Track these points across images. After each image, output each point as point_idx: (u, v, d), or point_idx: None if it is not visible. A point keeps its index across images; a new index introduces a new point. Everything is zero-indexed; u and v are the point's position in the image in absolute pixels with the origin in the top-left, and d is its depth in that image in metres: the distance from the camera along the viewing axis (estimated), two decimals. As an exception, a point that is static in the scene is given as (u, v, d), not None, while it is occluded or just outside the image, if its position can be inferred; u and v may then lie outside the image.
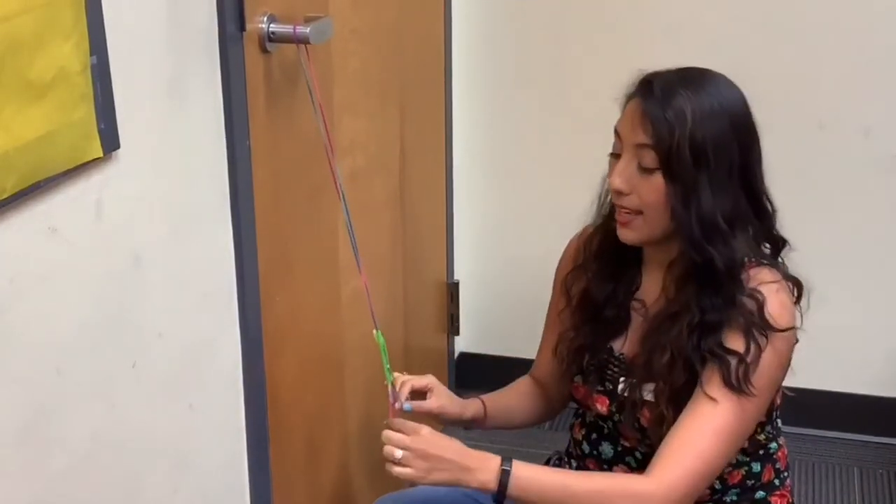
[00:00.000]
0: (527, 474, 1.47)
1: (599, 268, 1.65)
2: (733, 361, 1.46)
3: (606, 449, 1.66)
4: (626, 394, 1.58)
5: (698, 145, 1.45)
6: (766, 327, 1.47)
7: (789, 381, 1.61)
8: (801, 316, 1.57)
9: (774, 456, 1.64)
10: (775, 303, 1.49)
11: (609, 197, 1.60)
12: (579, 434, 1.72)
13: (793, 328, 1.51)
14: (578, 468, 1.71)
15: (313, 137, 1.57)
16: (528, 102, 2.65)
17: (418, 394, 1.68)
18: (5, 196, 1.02)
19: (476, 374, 2.78)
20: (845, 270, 2.55)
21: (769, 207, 1.57)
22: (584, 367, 1.66)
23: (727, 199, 1.49)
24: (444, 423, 1.81)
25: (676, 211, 1.47)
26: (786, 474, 1.67)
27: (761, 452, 1.62)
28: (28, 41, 1.03)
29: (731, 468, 1.59)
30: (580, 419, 1.73)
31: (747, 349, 1.47)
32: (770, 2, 2.45)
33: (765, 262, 1.54)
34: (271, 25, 1.49)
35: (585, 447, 1.69)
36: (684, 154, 1.45)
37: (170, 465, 1.39)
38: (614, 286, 1.63)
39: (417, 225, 2.38)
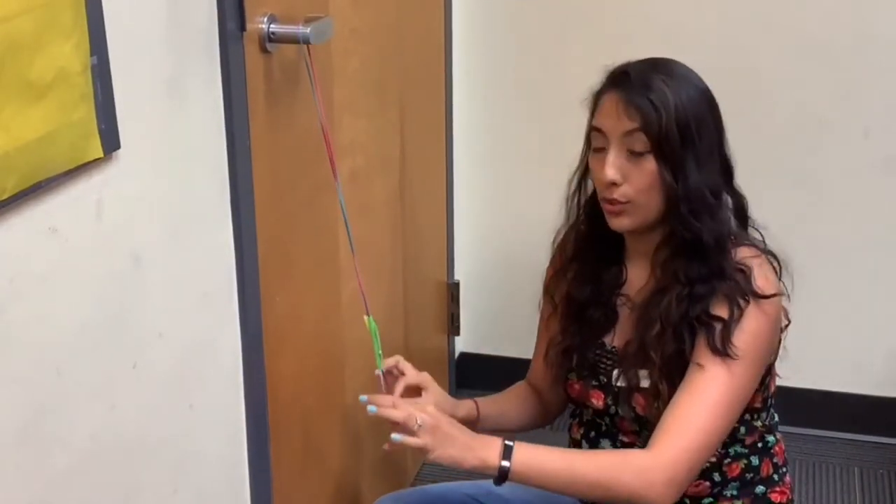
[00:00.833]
0: (529, 451, 1.48)
1: (578, 269, 1.67)
2: (718, 326, 1.50)
3: (605, 446, 1.66)
4: (619, 383, 1.59)
5: (683, 123, 1.50)
6: (752, 295, 1.51)
7: (791, 381, 1.61)
8: (788, 293, 1.59)
9: (772, 450, 1.65)
10: (759, 274, 1.53)
11: (576, 199, 1.63)
12: (577, 433, 1.72)
13: (778, 294, 1.54)
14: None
15: (313, 137, 1.57)
16: (528, 102, 2.65)
17: (412, 391, 1.68)
18: (6, 196, 1.02)
19: (476, 374, 2.78)
20: (844, 270, 2.55)
21: (737, 184, 1.62)
22: (575, 366, 1.66)
23: (711, 173, 1.54)
24: None
25: (669, 189, 1.50)
26: (784, 470, 1.68)
27: (759, 445, 1.63)
28: (28, 41, 1.03)
29: (729, 461, 1.60)
30: (577, 419, 1.74)
31: (731, 315, 1.50)
32: (769, 3, 2.45)
33: (745, 241, 1.59)
34: (271, 25, 1.49)
35: (584, 446, 1.70)
36: (673, 134, 1.49)
37: (170, 465, 1.39)
38: (597, 286, 1.64)
39: (418, 225, 2.38)
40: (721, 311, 1.51)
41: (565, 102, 2.61)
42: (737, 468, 1.62)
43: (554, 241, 1.75)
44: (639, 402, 1.57)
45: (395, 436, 1.48)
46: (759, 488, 1.64)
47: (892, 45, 2.41)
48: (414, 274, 2.35)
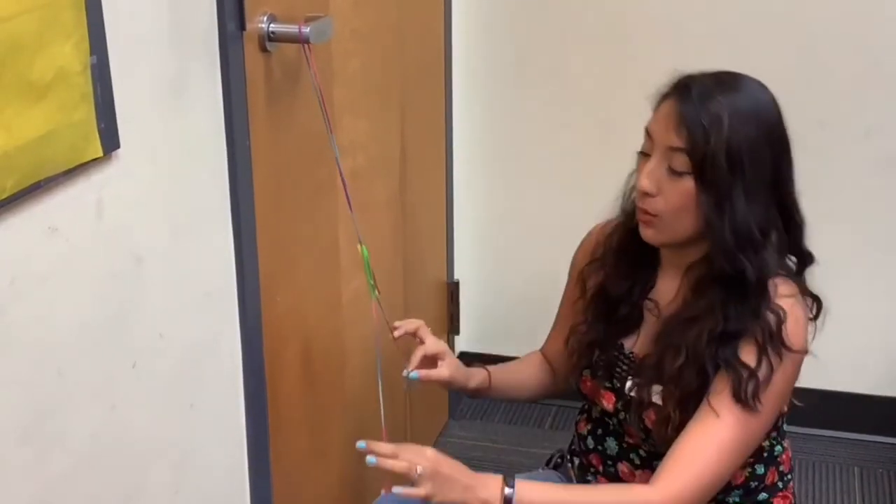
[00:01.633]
0: (531, 489, 1.47)
1: (617, 264, 1.64)
2: (745, 374, 1.46)
3: (611, 444, 1.66)
4: (632, 393, 1.58)
5: (734, 152, 1.43)
6: (781, 346, 1.46)
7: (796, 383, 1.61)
8: (815, 331, 1.56)
9: (779, 459, 1.65)
10: (792, 320, 1.48)
11: (634, 194, 1.59)
12: (584, 429, 1.72)
13: (803, 352, 1.50)
14: (581, 464, 1.72)
15: (313, 137, 1.57)
16: (528, 102, 2.65)
17: (429, 360, 1.68)
18: (5, 196, 1.02)
19: (476, 373, 2.78)
20: (845, 270, 2.55)
21: (799, 220, 1.55)
22: (593, 362, 1.66)
23: (760, 209, 1.47)
24: (447, 390, 1.81)
25: (709, 218, 1.45)
26: (789, 477, 1.67)
27: (765, 455, 1.62)
28: (28, 41, 1.03)
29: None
30: (585, 415, 1.73)
31: (758, 365, 1.46)
32: (770, 1, 2.45)
33: (782, 272, 1.53)
34: (271, 25, 1.49)
35: (590, 442, 1.70)
36: (720, 160, 1.43)
37: (170, 465, 1.39)
38: (630, 284, 1.63)
39: (418, 224, 2.38)
40: (749, 357, 1.46)
41: (565, 102, 2.64)
42: (741, 476, 1.61)
43: (602, 229, 1.71)
44: (650, 416, 1.56)
45: (396, 489, 1.45)
46: (762, 495, 1.63)
47: (892, 44, 2.41)
48: (414, 273, 2.35)
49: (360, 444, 1.45)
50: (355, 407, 1.97)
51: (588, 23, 2.55)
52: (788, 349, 1.47)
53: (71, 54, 1.09)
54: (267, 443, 1.61)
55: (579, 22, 2.56)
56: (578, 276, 1.71)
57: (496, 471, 1.50)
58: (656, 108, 1.51)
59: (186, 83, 1.33)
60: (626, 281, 1.63)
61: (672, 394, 1.51)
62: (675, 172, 1.46)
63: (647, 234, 1.53)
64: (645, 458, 1.61)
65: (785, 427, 1.67)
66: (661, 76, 1.53)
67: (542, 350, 1.86)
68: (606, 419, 1.67)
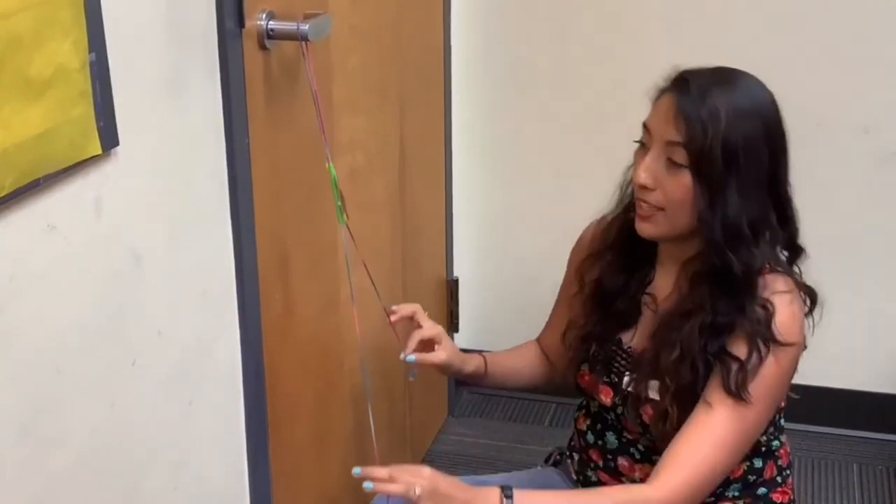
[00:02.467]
0: (528, 499, 1.46)
1: (614, 258, 1.65)
2: (734, 367, 1.47)
3: (611, 439, 1.66)
4: (629, 389, 1.59)
5: (730, 147, 1.44)
6: (770, 339, 1.47)
7: (794, 378, 1.61)
8: (813, 326, 1.57)
9: (777, 453, 1.65)
10: (785, 314, 1.49)
11: (630, 188, 1.59)
12: (583, 424, 1.72)
13: (797, 344, 1.50)
14: (581, 460, 1.72)
15: (313, 135, 1.56)
16: (527, 100, 2.65)
17: (426, 344, 1.69)
18: (4, 193, 1.01)
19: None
20: (844, 268, 2.55)
21: (793, 217, 1.56)
22: (590, 356, 1.66)
23: (753, 205, 1.48)
24: (444, 374, 1.82)
25: (701, 212, 1.46)
26: (788, 471, 1.68)
27: (763, 450, 1.62)
28: (27, 39, 1.03)
29: None
30: (584, 410, 1.73)
31: (748, 356, 1.47)
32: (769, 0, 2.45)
33: (780, 269, 1.53)
34: (270, 22, 1.48)
35: (590, 437, 1.70)
36: (716, 155, 1.43)
37: (169, 463, 1.39)
38: (627, 278, 1.63)
39: (417, 222, 2.38)
40: (740, 350, 1.47)
41: (565, 99, 2.64)
42: (740, 470, 1.61)
43: (598, 223, 1.72)
44: (647, 412, 1.56)
45: None
46: (761, 490, 1.63)
47: (892, 43, 2.40)
48: (413, 271, 2.35)
49: (356, 470, 1.44)
50: (354, 404, 1.97)
51: (587, 20, 2.55)
52: (779, 342, 1.47)
53: (69, 52, 1.09)
54: (266, 440, 1.61)
55: (579, 19, 2.56)
56: (576, 271, 1.72)
57: (496, 468, 1.51)
58: (655, 103, 1.52)
59: (185, 81, 1.33)
60: (622, 275, 1.63)
61: (668, 388, 1.52)
62: (673, 166, 1.47)
63: (645, 228, 1.53)
64: (644, 453, 1.62)
65: (783, 422, 1.67)
66: (661, 74, 1.53)
67: (538, 339, 1.87)
68: (605, 414, 1.67)
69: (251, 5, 1.43)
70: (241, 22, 1.41)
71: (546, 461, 1.85)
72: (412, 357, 1.67)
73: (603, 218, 1.71)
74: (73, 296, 1.16)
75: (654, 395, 1.55)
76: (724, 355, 1.48)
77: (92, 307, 1.19)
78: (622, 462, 1.65)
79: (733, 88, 1.48)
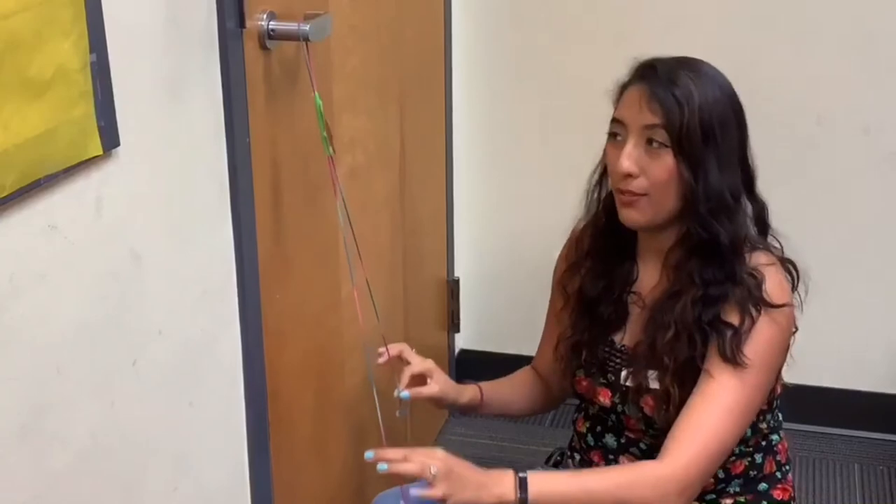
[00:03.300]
0: (543, 479, 1.47)
1: (593, 264, 1.67)
2: (728, 333, 1.49)
3: (610, 441, 1.67)
4: (628, 383, 1.59)
5: (706, 123, 1.49)
6: (762, 303, 1.50)
7: (791, 378, 1.61)
8: (801, 302, 1.59)
9: (775, 448, 1.65)
10: (773, 281, 1.53)
11: (596, 193, 1.62)
12: (583, 427, 1.72)
13: (789, 304, 1.53)
14: (582, 461, 1.72)
15: (313, 134, 1.56)
16: (528, 99, 2.65)
17: (417, 378, 1.68)
18: (5, 194, 1.01)
19: (476, 370, 2.76)
20: (845, 267, 2.55)
21: (758, 191, 1.61)
22: (583, 363, 1.66)
23: (731, 176, 1.53)
24: (440, 408, 1.82)
25: (687, 187, 1.49)
26: (787, 467, 1.68)
27: (763, 444, 1.63)
28: (27, 39, 1.03)
29: (734, 458, 1.61)
30: (583, 413, 1.74)
31: (741, 322, 1.50)
32: (770, -1, 2.45)
33: (760, 245, 1.57)
34: (271, 23, 1.49)
35: (590, 439, 1.70)
36: (695, 131, 1.48)
37: (170, 463, 1.40)
38: (608, 281, 1.64)
39: (418, 222, 2.38)
40: (733, 317, 1.50)
41: (566, 99, 2.63)
42: (740, 466, 1.62)
43: (571, 233, 1.74)
44: (647, 403, 1.57)
45: (414, 491, 1.46)
46: (762, 485, 1.64)
47: (891, 43, 2.40)
48: (414, 271, 2.35)
49: (369, 454, 1.45)
50: (355, 403, 1.97)
51: (588, 18, 2.55)
52: (770, 304, 1.50)
53: (70, 52, 1.09)
54: (267, 439, 1.61)
55: (579, 18, 2.56)
56: (559, 286, 1.74)
57: (497, 468, 1.50)
58: (621, 96, 1.56)
59: (186, 81, 1.33)
60: (603, 279, 1.65)
61: (667, 368, 1.53)
62: (654, 147, 1.50)
63: (631, 215, 1.54)
64: (646, 451, 1.62)
65: (781, 417, 1.67)
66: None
67: (532, 365, 1.87)
68: (604, 416, 1.67)
69: (252, 6, 1.43)
70: (241, 22, 1.41)
71: (547, 461, 1.85)
72: (406, 393, 1.66)
73: (573, 230, 1.72)
74: (74, 295, 1.16)
75: (653, 384, 1.56)
76: (718, 323, 1.50)
77: (92, 307, 1.19)
78: (623, 461, 1.65)
79: (697, 70, 1.53)
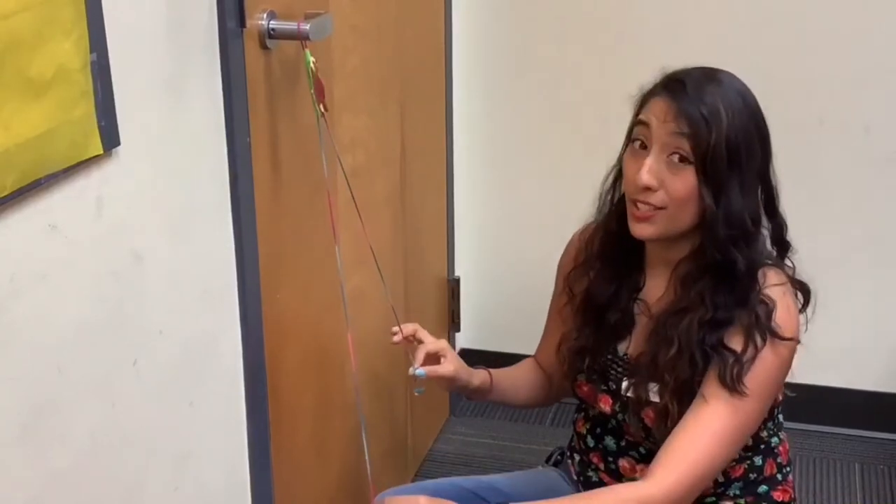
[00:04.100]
0: None
1: (602, 268, 1.64)
2: (730, 359, 1.47)
3: (610, 443, 1.66)
4: (629, 394, 1.58)
5: (733, 145, 1.45)
6: (769, 333, 1.48)
7: (790, 378, 1.61)
8: (807, 321, 1.57)
9: (776, 450, 1.65)
10: (782, 308, 1.49)
11: (610, 196, 1.60)
12: (583, 428, 1.72)
13: (795, 338, 1.51)
14: (582, 462, 1.72)
15: (313, 134, 1.56)
16: (528, 99, 2.65)
17: (431, 358, 1.69)
18: (5, 194, 1.01)
19: (477, 370, 2.78)
20: (845, 266, 2.55)
21: (781, 211, 1.58)
22: (586, 368, 1.66)
23: (753, 199, 1.50)
24: (451, 390, 1.82)
25: (707, 209, 1.46)
26: (788, 469, 1.68)
27: (762, 447, 1.62)
28: (28, 39, 1.03)
29: (733, 462, 1.60)
30: (583, 414, 1.73)
31: (745, 349, 1.47)
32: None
33: (769, 262, 1.54)
34: (271, 22, 1.49)
35: (590, 441, 1.70)
36: (720, 153, 1.45)
37: (170, 463, 1.39)
38: (617, 288, 1.62)
39: (418, 221, 2.38)
40: (736, 343, 1.48)
41: (566, 98, 2.63)
42: (740, 469, 1.61)
43: (580, 232, 1.73)
44: (648, 415, 1.56)
45: None
46: (762, 487, 1.63)
47: (892, 41, 2.40)
48: (414, 270, 2.35)
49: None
50: (355, 403, 1.96)
51: (588, 19, 2.55)
52: (779, 337, 1.48)
53: (71, 52, 1.09)
54: (267, 439, 1.61)
55: (579, 18, 2.56)
56: (564, 283, 1.72)
57: (497, 468, 1.50)
58: (645, 104, 1.52)
59: (187, 80, 1.33)
60: (611, 285, 1.63)
61: (667, 385, 1.52)
62: (674, 165, 1.47)
63: (643, 229, 1.52)
64: (646, 455, 1.61)
65: (782, 419, 1.67)
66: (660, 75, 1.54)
67: (535, 357, 1.87)
68: (605, 419, 1.67)
69: (252, 5, 1.43)
70: (242, 22, 1.41)
71: (547, 461, 1.85)
72: (421, 371, 1.67)
73: (585, 228, 1.71)
74: (74, 295, 1.16)
75: (654, 397, 1.55)
76: (721, 348, 1.48)
77: (93, 307, 1.19)
78: (623, 463, 1.65)
79: (722, 85, 1.49)
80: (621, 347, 1.63)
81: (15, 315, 1.06)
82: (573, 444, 1.77)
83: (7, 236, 1.04)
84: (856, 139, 2.48)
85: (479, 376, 1.76)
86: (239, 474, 1.57)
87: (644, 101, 1.52)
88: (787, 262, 1.60)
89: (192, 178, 1.38)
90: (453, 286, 2.74)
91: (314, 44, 1.50)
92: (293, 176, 1.65)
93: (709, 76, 1.50)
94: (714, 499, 1.62)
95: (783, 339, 1.48)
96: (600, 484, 1.67)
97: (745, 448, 1.60)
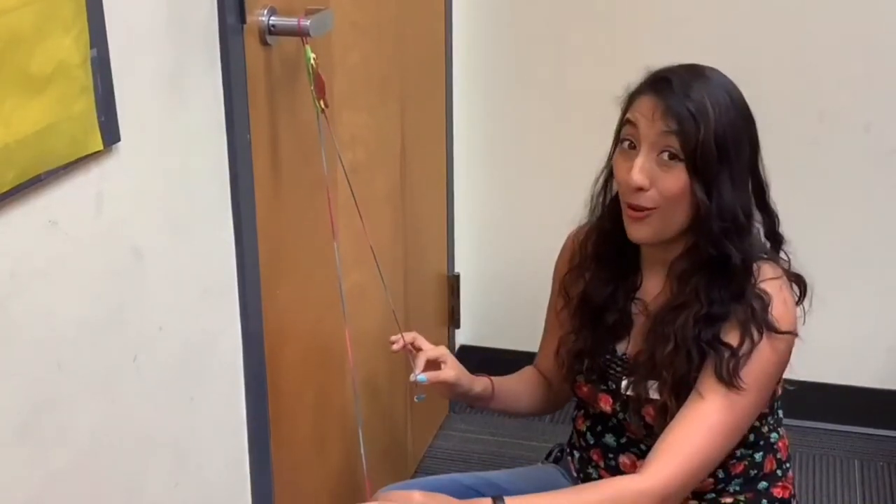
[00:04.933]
0: (522, 502, 1.45)
1: (597, 269, 1.65)
2: (726, 354, 1.47)
3: (610, 440, 1.66)
4: (629, 392, 1.58)
5: (721, 141, 1.46)
6: (766, 327, 1.48)
7: (790, 374, 1.61)
8: (804, 314, 1.57)
9: (775, 446, 1.65)
10: (779, 302, 1.50)
11: (601, 197, 1.60)
12: (583, 426, 1.72)
13: (792, 332, 1.51)
14: (582, 459, 1.72)
15: (314, 130, 1.56)
16: (528, 96, 2.65)
17: (432, 364, 1.69)
18: (5, 190, 1.01)
19: (477, 366, 2.74)
20: (845, 264, 2.55)
21: (772, 204, 1.58)
22: (585, 369, 1.66)
23: (744, 192, 1.51)
24: (453, 397, 1.82)
25: (700, 205, 1.47)
26: (787, 465, 1.68)
27: (762, 443, 1.62)
28: (28, 34, 1.03)
29: (733, 460, 1.60)
30: (583, 411, 1.73)
31: (741, 344, 1.47)
32: (771, -5, 2.45)
33: (765, 256, 1.55)
34: (272, 18, 1.48)
35: (589, 438, 1.70)
36: (710, 148, 1.45)
37: (171, 460, 1.39)
38: (614, 288, 1.63)
39: (418, 218, 2.37)
40: (732, 338, 1.48)
41: (566, 96, 2.63)
42: (740, 466, 1.61)
43: (572, 235, 1.73)
44: (649, 413, 1.56)
45: None
46: (762, 484, 1.64)
47: (893, 40, 2.40)
48: (414, 267, 2.35)
49: None
50: (355, 400, 1.96)
51: (589, 16, 2.55)
52: (776, 330, 1.48)
53: (71, 47, 1.09)
54: (268, 437, 1.61)
55: (580, 16, 2.56)
56: (561, 286, 1.72)
57: (497, 464, 1.50)
58: (632, 104, 1.52)
59: (187, 76, 1.33)
60: (607, 286, 1.63)
61: (665, 382, 1.52)
62: (665, 164, 1.47)
63: (638, 230, 1.52)
64: (646, 451, 1.61)
65: (781, 415, 1.67)
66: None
67: (535, 364, 1.87)
68: (604, 417, 1.67)
69: (252, 1, 1.43)
70: (242, 18, 1.41)
71: (547, 457, 1.85)
72: (423, 377, 1.67)
73: (579, 230, 1.71)
74: (74, 292, 1.16)
75: (654, 394, 1.55)
76: (717, 343, 1.48)
77: (93, 303, 1.19)
78: (623, 460, 1.65)
79: (709, 81, 1.50)
80: (620, 347, 1.63)
81: (15, 311, 1.06)
82: (573, 440, 1.77)
83: (7, 233, 1.04)
84: (856, 136, 2.48)
85: (480, 383, 1.76)
86: (239, 470, 1.57)
87: (631, 100, 1.53)
88: (783, 255, 1.60)
89: (192, 174, 1.37)
90: (453, 283, 2.74)
91: (314, 40, 1.50)
92: (293, 172, 1.64)
93: (694, 73, 1.51)
94: (714, 495, 1.62)
95: (780, 332, 1.49)
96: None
97: (745, 445, 1.60)
